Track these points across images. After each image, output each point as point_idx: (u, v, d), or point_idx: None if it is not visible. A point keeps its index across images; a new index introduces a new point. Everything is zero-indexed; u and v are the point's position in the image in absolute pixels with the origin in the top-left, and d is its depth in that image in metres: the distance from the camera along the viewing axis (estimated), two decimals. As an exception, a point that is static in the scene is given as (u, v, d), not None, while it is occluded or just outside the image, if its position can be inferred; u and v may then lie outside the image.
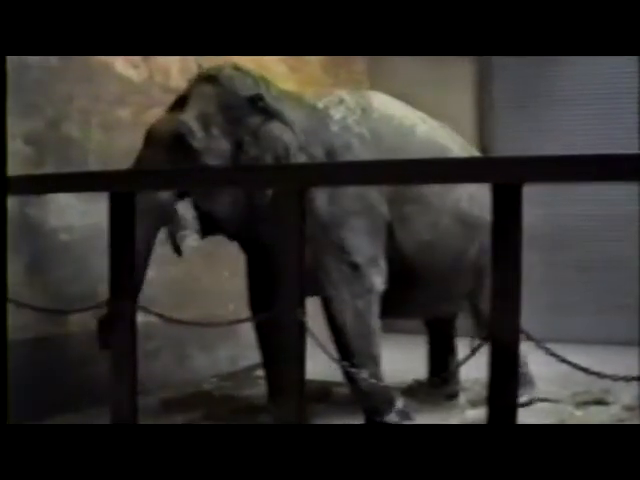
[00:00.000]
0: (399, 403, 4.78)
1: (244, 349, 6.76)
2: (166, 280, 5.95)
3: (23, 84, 4.81)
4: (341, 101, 4.94)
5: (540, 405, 5.28)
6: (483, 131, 8.95)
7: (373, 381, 4.37)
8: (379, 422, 4.63)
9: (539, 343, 3.05)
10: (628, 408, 5.20)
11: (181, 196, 4.45)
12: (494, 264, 3.04)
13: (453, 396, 5.62)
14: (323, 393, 5.72)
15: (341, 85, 5.51)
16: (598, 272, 8.58)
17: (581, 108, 8.77)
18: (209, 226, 4.59)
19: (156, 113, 5.85)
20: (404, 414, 4.73)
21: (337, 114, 4.84)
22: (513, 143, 8.55)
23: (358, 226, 4.72)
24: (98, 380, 4.51)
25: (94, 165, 5.37)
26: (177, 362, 6.23)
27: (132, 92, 5.88)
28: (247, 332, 6.25)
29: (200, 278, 6.44)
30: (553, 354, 3.07)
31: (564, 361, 3.07)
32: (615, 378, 3.05)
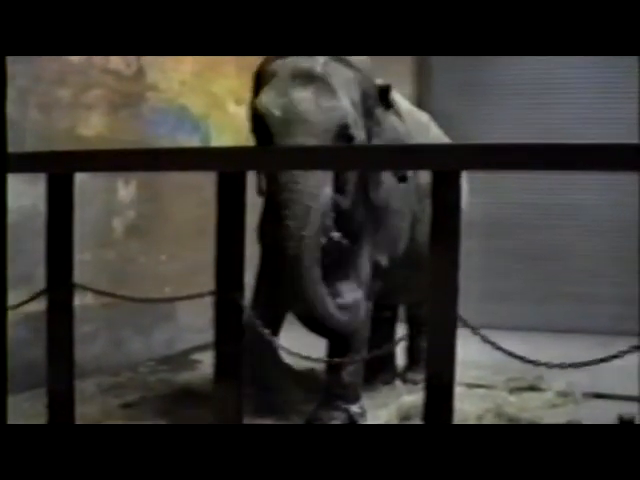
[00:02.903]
0: (362, 397, 4.80)
1: (181, 332, 6.76)
2: (102, 262, 5.92)
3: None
4: None
5: (475, 390, 5.35)
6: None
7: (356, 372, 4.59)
8: (339, 407, 4.62)
9: (475, 330, 3.07)
10: (562, 394, 5.29)
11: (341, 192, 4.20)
12: (432, 251, 3.06)
13: (389, 382, 5.67)
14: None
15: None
16: (536, 260, 8.70)
17: (519, 97, 8.84)
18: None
19: (95, 94, 5.81)
20: (362, 407, 4.74)
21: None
22: (451, 131, 8.61)
23: (395, 226, 4.76)
24: (35, 363, 4.47)
25: (31, 145, 5.30)
26: (113, 345, 6.19)
27: (71, 72, 5.81)
28: (184, 315, 6.25)
29: (136, 260, 6.40)
30: (488, 341, 3.10)
31: (499, 348, 3.10)
32: (549, 365, 3.09)
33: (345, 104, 4.17)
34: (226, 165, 3.43)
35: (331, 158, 3.29)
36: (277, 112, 4.10)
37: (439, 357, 3.02)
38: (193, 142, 6.96)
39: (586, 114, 8.30)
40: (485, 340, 3.10)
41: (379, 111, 4.47)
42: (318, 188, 4.00)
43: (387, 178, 4.57)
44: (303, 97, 4.09)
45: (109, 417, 4.66)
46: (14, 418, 4.43)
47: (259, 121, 4.21)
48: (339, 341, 4.60)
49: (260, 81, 4.39)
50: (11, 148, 5.03)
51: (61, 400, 3.72)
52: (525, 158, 2.88)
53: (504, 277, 8.76)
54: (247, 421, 3.55)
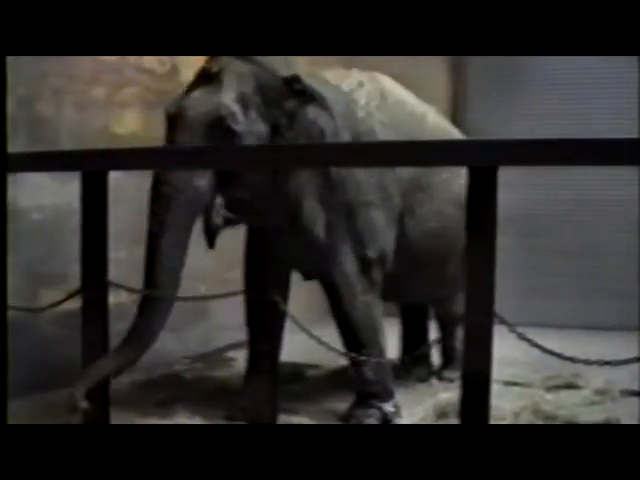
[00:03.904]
0: (395, 394, 4.78)
1: (215, 330, 6.76)
2: (137, 260, 5.92)
3: (-6, 61, 4.77)
4: (361, 85, 4.85)
5: (512, 388, 5.32)
6: (457, 114, 8.94)
7: (380, 369, 4.56)
8: (373, 405, 4.64)
9: (512, 327, 3.05)
10: (599, 392, 5.24)
11: (222, 184, 4.23)
12: (468, 248, 3.04)
13: (425, 379, 5.66)
14: (297, 374, 5.74)
15: (320, 62, 5.46)
16: (572, 257, 8.62)
17: (556, 91, 8.78)
18: (238, 215, 4.40)
19: (129, 92, 5.82)
20: (397, 405, 4.74)
21: (361, 99, 4.77)
22: (486, 125, 8.54)
23: (376, 217, 4.71)
24: (70, 361, 4.47)
25: (66, 144, 5.31)
26: (148, 343, 6.20)
27: (105, 71, 5.82)
28: (218, 313, 6.24)
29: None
30: (525, 338, 3.08)
31: (536, 345, 3.07)
32: (587, 363, 3.05)
33: (226, 98, 4.23)
34: (254, 163, 3.44)
35: (370, 154, 3.28)
36: (170, 110, 4.29)
37: (475, 354, 2.99)
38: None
39: (621, 109, 8.21)
40: (522, 337, 3.07)
41: (290, 103, 4.39)
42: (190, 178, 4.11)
43: (358, 173, 4.60)
44: (193, 96, 4.28)
45: (144, 415, 4.67)
46: (49, 416, 4.47)
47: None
48: (350, 335, 4.65)
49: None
50: (46, 146, 5.08)
51: (96, 397, 3.73)
52: (562, 153, 2.85)
53: (541, 274, 8.70)
54: (282, 419, 3.56)
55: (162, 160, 3.79)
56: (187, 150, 3.92)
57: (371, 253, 4.67)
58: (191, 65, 6.48)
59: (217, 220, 4.22)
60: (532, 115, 8.65)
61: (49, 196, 5.33)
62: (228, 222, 4.33)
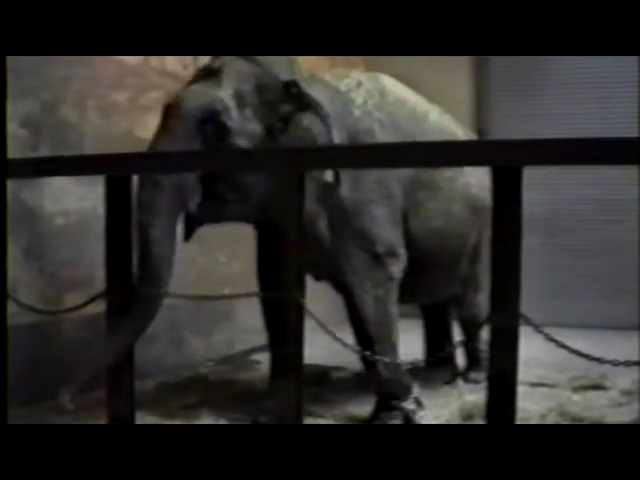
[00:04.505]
0: (415, 390, 4.77)
1: (240, 333, 6.76)
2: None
3: (19, 67, 4.78)
4: (359, 84, 4.83)
5: (538, 389, 5.29)
6: (480, 114, 8.93)
7: (393, 367, 4.51)
8: (395, 406, 4.63)
9: (538, 328, 3.03)
10: (626, 393, 5.20)
11: (209, 178, 4.24)
12: (494, 248, 3.02)
13: (450, 381, 5.64)
14: (321, 376, 5.73)
15: (337, 65, 5.48)
16: (598, 256, 8.58)
17: (578, 91, 8.75)
18: (226, 211, 4.46)
19: (153, 97, 5.84)
20: (418, 402, 4.72)
21: (359, 98, 4.74)
22: (510, 126, 8.52)
23: (379, 215, 4.69)
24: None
25: (90, 148, 5.33)
26: (173, 346, 6.21)
27: (128, 75, 5.84)
28: (243, 316, 6.25)
29: (194, 261, 6.42)
30: (552, 339, 3.06)
31: (563, 346, 3.05)
32: (615, 363, 3.03)
33: (222, 93, 4.27)
34: (281, 165, 3.44)
35: (385, 155, 3.28)
36: (169, 101, 4.33)
37: (501, 355, 2.98)
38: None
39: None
40: (548, 338, 3.06)
41: (286, 108, 4.39)
42: None
43: (357, 171, 4.59)
44: (191, 89, 4.35)
45: (169, 418, 4.67)
46: (75, 418, 4.48)
47: None
48: (362, 331, 4.64)
49: None
50: (70, 151, 5.10)
51: (121, 401, 3.74)
52: (587, 152, 2.84)
53: (567, 274, 8.66)
54: (307, 422, 3.55)
55: (186, 163, 3.80)
56: (211, 154, 3.93)
57: (379, 248, 4.65)
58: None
59: (198, 213, 4.25)
60: (555, 115, 8.62)
61: (74, 200, 5.34)
62: (208, 218, 4.40)
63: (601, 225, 8.60)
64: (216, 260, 6.65)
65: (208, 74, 4.39)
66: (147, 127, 5.92)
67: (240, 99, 4.31)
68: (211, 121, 4.21)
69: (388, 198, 4.72)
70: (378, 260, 4.66)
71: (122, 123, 5.75)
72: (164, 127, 4.26)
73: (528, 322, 2.97)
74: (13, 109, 4.73)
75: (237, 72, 4.36)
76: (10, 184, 4.45)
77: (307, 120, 4.37)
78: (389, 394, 4.66)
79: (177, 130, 4.19)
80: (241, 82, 4.35)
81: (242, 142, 4.26)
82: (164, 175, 4.04)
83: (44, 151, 5.05)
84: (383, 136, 4.67)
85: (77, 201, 5.35)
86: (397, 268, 4.75)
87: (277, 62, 4.44)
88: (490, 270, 3.05)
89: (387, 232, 4.72)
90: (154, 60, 6.02)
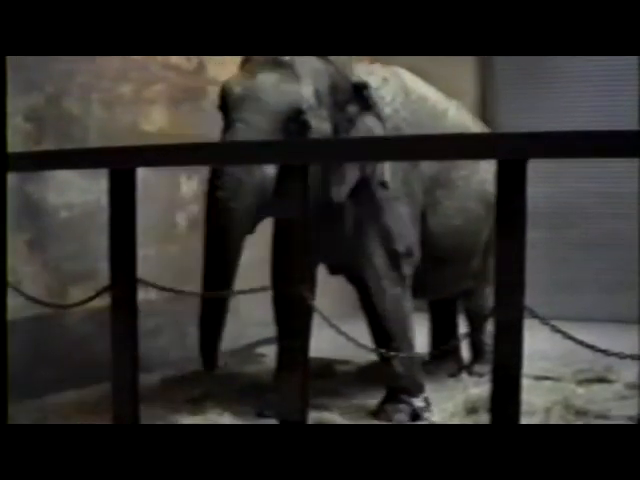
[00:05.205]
0: (425, 389, 4.78)
1: (245, 326, 6.75)
2: (166, 258, 5.94)
3: (23, 60, 4.78)
4: (385, 81, 4.83)
5: (543, 382, 5.28)
6: (485, 107, 8.92)
7: (409, 363, 4.60)
8: (403, 400, 4.66)
9: (543, 320, 3.03)
10: (631, 386, 5.20)
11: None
12: (498, 240, 3.02)
13: (455, 374, 5.64)
14: (327, 370, 5.73)
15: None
16: (601, 249, 8.57)
17: (583, 85, 8.74)
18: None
19: (157, 89, 5.84)
20: (427, 401, 4.75)
21: (387, 96, 4.74)
22: (515, 119, 8.51)
23: (403, 213, 4.73)
24: (99, 358, 4.49)
25: (94, 141, 5.33)
26: (178, 340, 6.21)
27: (132, 68, 5.84)
28: (248, 310, 6.24)
29: (199, 255, 6.40)
30: (559, 331, 3.05)
31: (570, 338, 3.05)
32: (621, 356, 3.02)
33: (305, 91, 4.20)
34: (285, 158, 3.43)
35: (390, 147, 3.27)
36: (236, 89, 4.18)
37: (506, 349, 2.97)
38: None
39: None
40: (555, 329, 3.05)
41: (353, 108, 4.42)
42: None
43: (385, 168, 4.58)
44: (265, 79, 4.18)
45: (174, 412, 4.67)
46: (79, 412, 4.48)
47: (222, 101, 4.28)
48: (380, 329, 4.66)
49: (240, 68, 4.45)
50: (74, 144, 5.10)
51: (126, 394, 3.74)
52: (592, 145, 2.83)
53: (571, 267, 8.66)
54: (312, 415, 3.55)
55: (190, 157, 3.79)
56: (217, 146, 3.93)
57: (400, 247, 4.68)
58: (218, 62, 6.52)
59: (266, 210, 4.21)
60: (560, 110, 8.60)
61: (78, 194, 5.35)
62: (271, 213, 4.36)
63: (605, 219, 8.58)
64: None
65: (277, 65, 4.23)
66: (151, 120, 5.95)
67: (318, 98, 4.27)
68: (295, 120, 4.14)
69: (411, 196, 4.75)
70: (397, 259, 4.68)
71: (126, 116, 5.75)
72: (240, 120, 4.13)
73: (533, 314, 2.97)
74: (18, 103, 4.74)
75: (313, 69, 4.29)
76: (15, 177, 4.48)
77: (370, 122, 4.42)
78: (401, 389, 4.68)
79: (262, 125, 4.10)
80: (318, 80, 4.30)
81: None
82: (244, 178, 4.02)
83: (48, 144, 5.05)
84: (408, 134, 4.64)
85: (81, 194, 5.35)
86: (410, 268, 4.78)
87: (349, 63, 4.47)
88: (495, 263, 3.05)
89: (408, 232, 4.75)
90: (158, 53, 6.02)
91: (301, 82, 4.21)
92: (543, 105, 8.74)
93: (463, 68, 8.70)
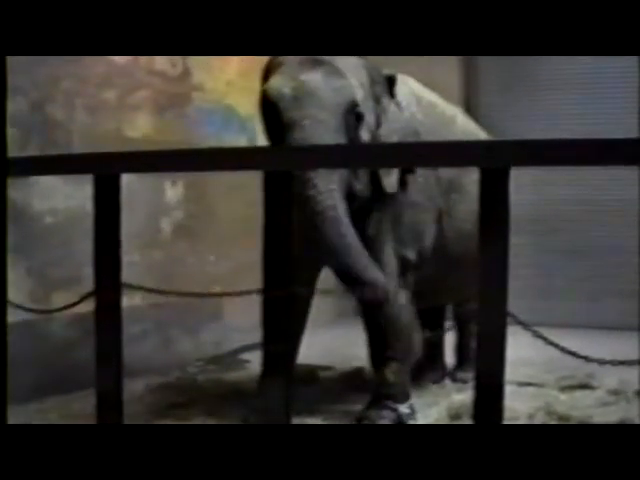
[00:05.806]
0: (411, 396, 4.78)
1: (229, 332, 6.76)
2: (150, 263, 5.93)
3: (8, 66, 4.78)
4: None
5: (526, 389, 5.30)
6: (469, 112, 8.94)
7: (403, 372, 4.61)
8: (388, 407, 4.61)
9: (526, 326, 3.04)
10: (613, 392, 5.22)
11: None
12: (481, 248, 3.02)
13: (438, 381, 5.65)
14: (309, 375, 5.73)
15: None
16: (584, 257, 8.60)
17: (568, 88, 8.76)
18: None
19: (141, 95, 5.83)
20: (412, 408, 4.72)
21: (403, 100, 4.72)
22: (499, 122, 8.53)
23: (420, 219, 4.76)
24: (83, 363, 4.49)
25: (79, 147, 5.33)
26: (162, 345, 6.21)
27: (117, 74, 5.84)
28: (231, 315, 6.24)
29: (184, 261, 6.42)
30: (541, 336, 3.07)
31: (551, 344, 3.06)
32: (602, 362, 3.04)
33: (354, 83, 4.24)
34: (271, 164, 3.43)
35: (382, 154, 3.28)
36: (288, 91, 4.13)
37: (489, 355, 2.98)
38: (240, 142, 6.93)
39: (635, 108, 8.18)
40: (537, 335, 3.07)
41: (386, 100, 4.51)
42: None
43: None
44: (312, 77, 4.15)
45: (158, 418, 4.67)
46: (63, 418, 4.48)
47: (268, 106, 4.22)
48: (377, 335, 4.64)
49: (269, 71, 4.40)
50: (58, 150, 5.10)
51: (110, 400, 3.73)
52: (575, 154, 2.84)
53: (554, 274, 8.68)
54: (296, 421, 3.55)
55: (175, 163, 3.79)
56: (208, 152, 3.94)
57: (410, 255, 4.69)
58: (204, 68, 6.54)
59: None
60: (545, 114, 8.63)
61: (62, 199, 5.34)
62: None
63: (587, 226, 8.62)
64: (206, 259, 6.65)
65: (318, 64, 4.20)
66: (136, 126, 5.94)
67: (363, 91, 4.32)
68: (352, 112, 4.20)
69: (430, 201, 4.76)
70: (406, 266, 4.69)
71: (111, 122, 5.75)
72: (302, 117, 4.08)
73: (517, 321, 2.98)
74: (1, 108, 4.73)
75: (352, 65, 4.32)
76: (-2, 183, 4.45)
77: (396, 114, 4.54)
78: (388, 395, 4.64)
79: (327, 119, 4.10)
80: (359, 74, 4.35)
81: (364, 134, 4.30)
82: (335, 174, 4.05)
83: (33, 150, 5.04)
84: (423, 139, 4.64)
85: (65, 200, 5.34)
86: (415, 275, 4.79)
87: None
88: (479, 270, 3.05)
89: (422, 238, 4.79)
90: (143, 59, 6.01)
91: (346, 76, 4.23)
92: (527, 111, 8.77)
93: (448, 71, 8.72)
